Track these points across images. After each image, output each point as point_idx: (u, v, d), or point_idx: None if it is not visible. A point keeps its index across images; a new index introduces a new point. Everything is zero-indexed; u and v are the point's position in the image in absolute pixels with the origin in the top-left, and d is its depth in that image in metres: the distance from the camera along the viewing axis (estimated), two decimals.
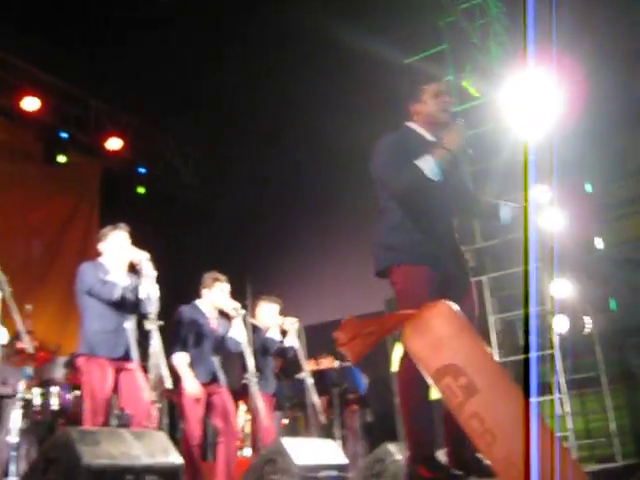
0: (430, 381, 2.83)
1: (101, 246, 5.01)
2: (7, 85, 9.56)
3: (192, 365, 5.39)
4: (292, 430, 8.04)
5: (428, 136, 3.75)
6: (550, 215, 7.84)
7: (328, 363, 8.51)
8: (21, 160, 10.09)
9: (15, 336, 6.89)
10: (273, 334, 6.28)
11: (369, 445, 8.43)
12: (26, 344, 3.89)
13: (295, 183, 10.61)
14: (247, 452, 6.73)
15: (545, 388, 7.66)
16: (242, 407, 6.47)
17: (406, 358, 3.46)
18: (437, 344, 2.78)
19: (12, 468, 5.99)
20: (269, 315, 6.38)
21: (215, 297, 5.62)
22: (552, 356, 7.62)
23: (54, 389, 6.66)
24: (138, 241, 5.00)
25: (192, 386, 5.29)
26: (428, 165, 3.43)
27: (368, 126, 9.27)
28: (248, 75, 9.74)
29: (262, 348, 6.16)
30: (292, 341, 6.27)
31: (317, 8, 8.10)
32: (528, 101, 7.55)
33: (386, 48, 8.24)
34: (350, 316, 3.04)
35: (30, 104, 9.61)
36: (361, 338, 2.96)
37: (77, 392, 6.80)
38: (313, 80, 9.39)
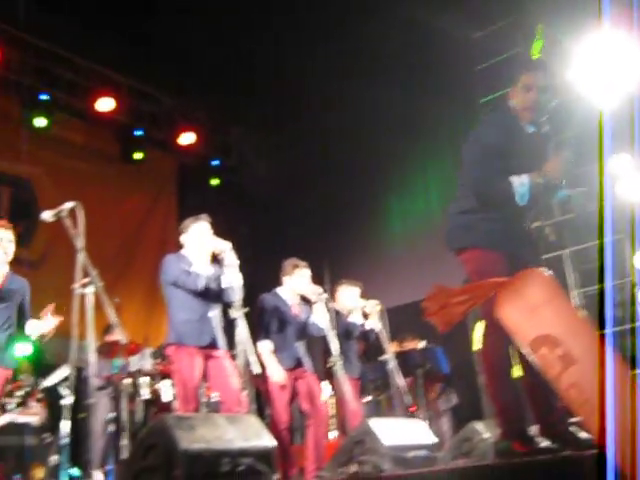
0: (525, 350, 2.78)
1: (183, 238, 5.10)
2: (81, 87, 9.85)
3: (276, 351, 5.47)
4: (377, 412, 8.07)
5: (529, 127, 3.68)
6: (631, 185, 7.60)
7: (412, 344, 8.49)
8: (99, 160, 10.41)
9: (105, 329, 7.15)
10: (355, 318, 6.30)
11: (454, 425, 8.40)
12: (120, 336, 4.01)
13: (369, 167, 10.56)
14: (333, 435, 6.80)
15: (628, 362, 7.46)
16: (327, 391, 6.52)
17: (489, 335, 3.44)
18: (531, 311, 2.73)
19: (108, 456, 6.25)
20: (350, 298, 6.40)
21: (296, 283, 5.68)
22: (633, 330, 7.41)
23: (144, 379, 6.86)
24: (216, 232, 5.09)
25: (276, 373, 5.37)
26: (522, 189, 3.41)
27: (448, 107, 9.24)
28: (321, 62, 9.72)
29: (345, 332, 6.20)
30: (374, 324, 6.28)
31: None
32: (603, 67, 7.32)
33: (456, 22, 8.13)
34: (438, 285, 3.01)
35: (104, 105, 9.89)
36: (450, 307, 2.93)
37: (166, 381, 7.01)
38: (388, 62, 9.31)
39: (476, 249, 3.57)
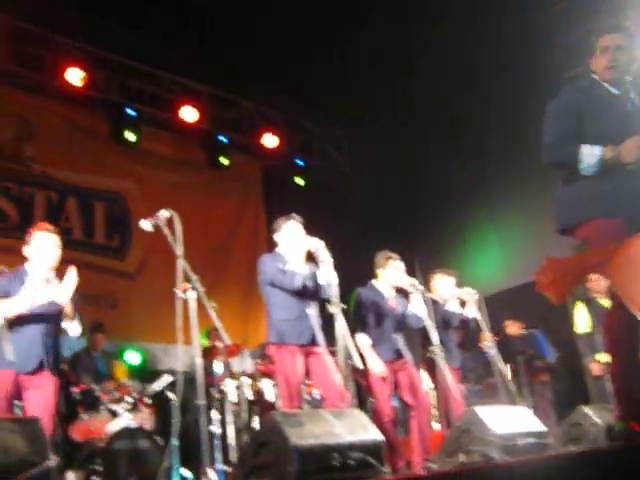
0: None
1: (277, 237, 5.15)
2: (165, 100, 10.12)
3: (375, 344, 5.47)
4: (479, 401, 7.97)
5: (613, 89, 3.58)
6: None
7: (515, 329, 8.36)
8: (187, 169, 10.68)
9: (205, 333, 7.33)
10: (453, 306, 6.24)
11: (559, 411, 8.21)
12: (225, 339, 4.10)
13: (454, 154, 10.41)
14: (436, 426, 6.76)
15: None
16: (428, 381, 6.48)
17: (615, 310, 3.29)
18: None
19: (217, 456, 6.39)
20: (445, 287, 6.35)
21: (390, 275, 5.67)
22: None
23: (246, 380, 6.98)
24: (306, 229, 5.12)
25: (377, 366, 5.38)
26: (589, 159, 3.30)
27: (535, 95, 9.03)
28: (401, 54, 9.67)
29: (443, 321, 6.15)
30: (472, 312, 6.21)
31: None
32: None
33: None
34: (549, 257, 2.92)
35: (188, 115, 10.12)
36: (563, 278, 2.83)
37: (267, 380, 7.12)
38: (469, 50, 9.17)
39: (595, 220, 3.39)
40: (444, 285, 6.36)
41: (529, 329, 8.53)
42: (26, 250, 4.66)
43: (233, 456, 6.33)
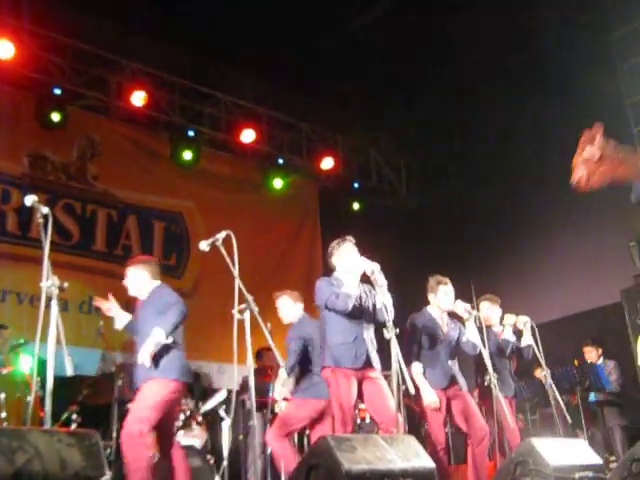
0: None
1: (332, 260, 5.16)
2: (224, 122, 10.28)
3: (429, 370, 5.41)
4: (534, 431, 7.81)
5: None
6: None
7: (594, 357, 8.20)
8: (246, 189, 10.83)
9: (258, 353, 7.36)
10: (507, 334, 6.15)
11: (621, 444, 7.98)
12: (279, 360, 4.11)
13: (512, 177, 10.31)
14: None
15: None
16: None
17: None
18: None
19: (267, 476, 6.39)
20: (494, 314, 6.26)
21: (441, 300, 5.61)
22: None
23: None
24: (362, 253, 5.11)
25: (430, 396, 5.31)
26: None
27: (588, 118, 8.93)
28: (450, 77, 9.69)
29: (497, 349, 6.06)
30: (528, 340, 6.10)
31: None
32: None
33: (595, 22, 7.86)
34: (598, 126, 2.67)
35: (247, 136, 10.28)
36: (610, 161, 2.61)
37: None
38: (522, 63, 9.13)
39: None
40: (492, 312, 6.27)
41: (606, 357, 8.34)
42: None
43: (283, 477, 6.32)
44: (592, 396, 7.99)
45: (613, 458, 7.38)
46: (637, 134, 9.11)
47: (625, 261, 8.60)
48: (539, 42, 8.90)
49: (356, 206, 11.65)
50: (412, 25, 9.14)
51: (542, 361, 5.99)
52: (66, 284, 3.79)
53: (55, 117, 8.80)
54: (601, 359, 8.29)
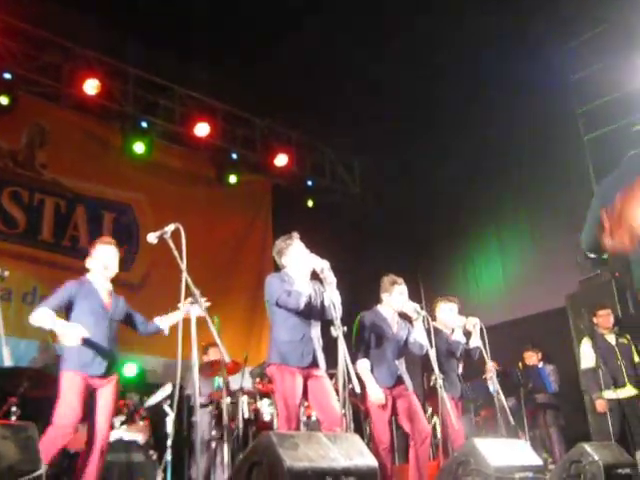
0: None
1: (281, 258, 5.14)
2: (179, 114, 10.16)
3: (376, 369, 5.42)
4: (478, 432, 7.90)
5: None
6: None
7: (534, 360, 8.34)
8: (198, 183, 10.72)
9: (205, 348, 7.30)
10: (457, 336, 6.19)
11: (559, 445, 8.14)
12: (224, 355, 4.06)
13: (464, 182, 10.46)
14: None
15: None
16: (428, 410, 6.42)
17: None
18: None
19: (211, 474, 6.34)
20: (448, 315, 6.30)
21: (394, 300, 5.63)
22: None
23: (244, 398, 6.93)
24: (313, 251, 5.09)
25: (375, 393, 5.32)
26: None
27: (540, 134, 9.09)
28: (411, 80, 9.75)
29: (447, 351, 6.10)
30: (476, 342, 6.16)
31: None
32: None
33: (549, 33, 8.00)
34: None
35: (201, 130, 10.17)
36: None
37: (266, 400, 7.07)
38: (476, 71, 9.25)
39: None
40: (447, 313, 6.31)
41: (545, 361, 8.50)
42: (89, 262, 5.03)
43: (226, 474, 6.28)
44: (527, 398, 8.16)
45: (551, 460, 7.52)
46: (587, 142, 9.29)
47: (571, 267, 8.76)
48: (492, 52, 9.02)
49: (310, 203, 11.62)
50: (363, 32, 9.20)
51: (489, 363, 6.06)
52: (7, 272, 3.70)
53: (3, 101, 8.57)
54: (541, 363, 8.44)
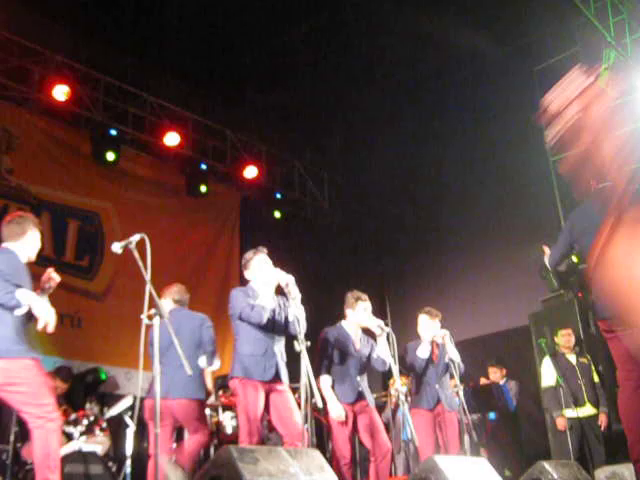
0: None
1: (246, 272, 5.14)
2: (149, 123, 10.11)
3: (338, 385, 5.42)
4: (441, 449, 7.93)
5: None
6: None
7: (498, 377, 8.40)
8: (167, 193, 10.65)
9: None
10: (421, 351, 6.19)
11: (518, 464, 8.18)
12: (186, 367, 4.03)
13: (433, 199, 10.55)
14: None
15: None
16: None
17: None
18: None
19: None
20: (426, 329, 6.31)
21: (358, 316, 5.63)
22: None
23: (207, 411, 6.87)
24: (279, 264, 5.10)
25: (336, 410, 5.32)
26: None
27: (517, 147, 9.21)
28: (379, 95, 9.84)
29: (412, 365, 6.13)
30: (452, 354, 6.17)
31: (446, 22, 8.09)
32: None
33: (516, 55, 8.12)
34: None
35: (171, 140, 10.13)
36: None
37: (228, 413, 7.03)
38: (446, 93, 9.36)
39: None
40: (426, 326, 6.32)
41: (509, 378, 8.56)
42: None
43: None
44: (493, 415, 8.21)
45: (509, 474, 7.56)
46: (553, 163, 9.44)
47: (534, 286, 8.87)
48: (462, 70, 9.16)
49: (277, 214, 11.60)
50: (337, 45, 9.27)
51: (457, 377, 6.07)
52: None
53: None
54: (504, 379, 8.52)
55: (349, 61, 9.41)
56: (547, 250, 5.15)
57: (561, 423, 7.17)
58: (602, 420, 7.12)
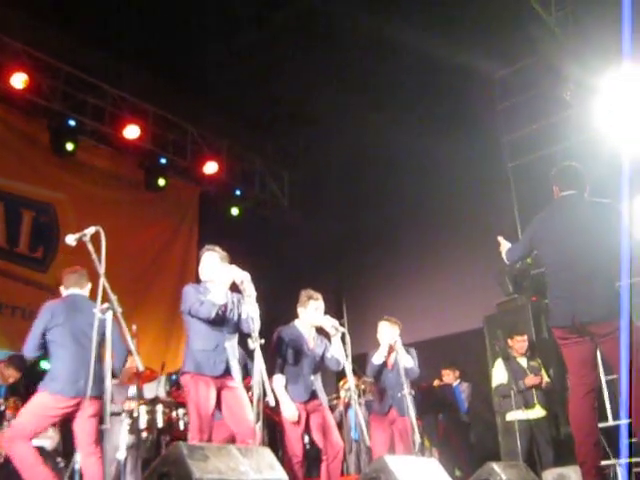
0: None
1: (199, 269, 5.14)
2: (108, 115, 9.97)
3: (291, 384, 5.43)
4: (391, 449, 7.97)
5: None
6: None
7: (452, 379, 8.47)
8: (124, 186, 10.52)
9: None
10: (378, 356, 6.26)
11: (468, 465, 8.27)
12: (138, 363, 3.99)
13: (391, 201, 10.62)
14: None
15: None
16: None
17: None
18: None
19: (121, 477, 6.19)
20: (385, 335, 6.38)
21: (310, 315, 5.65)
22: None
23: (159, 407, 6.82)
24: (236, 261, 5.09)
25: (289, 409, 5.34)
26: None
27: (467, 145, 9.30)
28: (341, 97, 9.86)
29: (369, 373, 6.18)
30: (407, 361, 6.23)
31: (409, 25, 8.14)
32: (626, 108, 7.31)
33: (477, 62, 8.20)
34: None
35: (131, 132, 10.01)
36: None
37: (181, 410, 6.97)
38: (406, 98, 9.43)
39: None
40: (385, 333, 6.37)
41: (462, 379, 8.65)
42: None
43: None
44: (442, 416, 8.30)
45: (459, 473, 7.64)
46: (510, 169, 9.57)
47: (489, 289, 8.98)
48: (422, 76, 9.24)
49: (235, 211, 11.55)
50: (298, 45, 9.28)
51: (404, 382, 6.10)
52: None
53: None
54: (457, 381, 8.61)
55: (314, 60, 9.40)
56: (502, 241, 5.17)
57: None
58: None
